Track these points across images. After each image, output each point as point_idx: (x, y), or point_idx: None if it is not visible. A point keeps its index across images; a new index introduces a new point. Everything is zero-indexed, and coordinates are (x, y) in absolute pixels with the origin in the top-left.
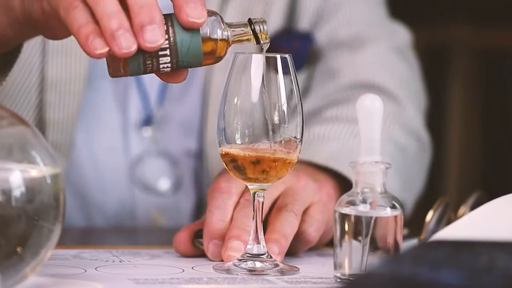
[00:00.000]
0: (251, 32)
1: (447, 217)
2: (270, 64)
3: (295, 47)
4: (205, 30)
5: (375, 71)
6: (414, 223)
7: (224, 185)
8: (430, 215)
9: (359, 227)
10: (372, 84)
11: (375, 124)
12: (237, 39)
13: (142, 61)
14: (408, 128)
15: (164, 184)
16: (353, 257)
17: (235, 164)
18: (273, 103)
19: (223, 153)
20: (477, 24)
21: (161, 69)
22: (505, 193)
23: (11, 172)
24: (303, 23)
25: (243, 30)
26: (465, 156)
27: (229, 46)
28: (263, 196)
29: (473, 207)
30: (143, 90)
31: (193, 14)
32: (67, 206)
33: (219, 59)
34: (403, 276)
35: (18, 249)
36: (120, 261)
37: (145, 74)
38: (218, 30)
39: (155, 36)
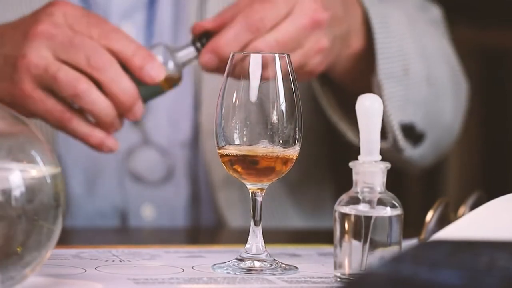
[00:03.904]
0: (197, 51)
1: (447, 217)
2: (268, 63)
3: None
4: None
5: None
6: (414, 223)
7: None
8: (430, 215)
9: (359, 227)
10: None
11: (375, 125)
12: (186, 60)
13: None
14: (444, 51)
15: (154, 173)
16: (353, 256)
17: (233, 165)
18: (272, 103)
19: (222, 153)
20: (477, 24)
21: None
22: (505, 193)
23: (11, 172)
24: None
25: (188, 51)
26: (465, 156)
27: (182, 69)
28: (261, 196)
29: (473, 207)
30: None
31: (153, 73)
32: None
33: (178, 83)
34: (402, 276)
35: (18, 249)
36: (120, 261)
37: None
38: (170, 63)
39: (140, 109)
